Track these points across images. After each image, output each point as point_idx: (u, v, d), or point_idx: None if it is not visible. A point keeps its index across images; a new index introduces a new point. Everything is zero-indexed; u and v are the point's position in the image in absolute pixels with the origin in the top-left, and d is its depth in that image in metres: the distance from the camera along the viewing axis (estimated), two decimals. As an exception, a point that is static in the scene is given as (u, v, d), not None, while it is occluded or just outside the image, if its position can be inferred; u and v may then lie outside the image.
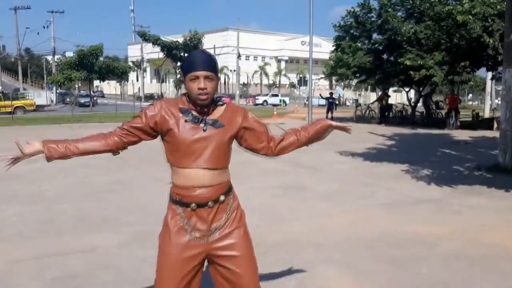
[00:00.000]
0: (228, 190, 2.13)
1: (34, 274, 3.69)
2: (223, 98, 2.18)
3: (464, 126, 19.30)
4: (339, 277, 3.64)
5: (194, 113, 2.03)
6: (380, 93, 26.93)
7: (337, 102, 34.77)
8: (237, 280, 2.06)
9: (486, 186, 7.09)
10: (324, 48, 48.39)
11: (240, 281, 2.05)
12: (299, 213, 5.61)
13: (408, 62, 17.05)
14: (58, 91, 43.97)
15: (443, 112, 24.00)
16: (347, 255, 4.11)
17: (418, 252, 4.20)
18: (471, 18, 14.71)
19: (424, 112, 21.72)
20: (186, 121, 2.01)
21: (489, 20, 15.05)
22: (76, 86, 50.93)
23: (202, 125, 2.02)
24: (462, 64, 17.10)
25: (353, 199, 6.36)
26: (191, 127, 2.01)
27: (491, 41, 15.24)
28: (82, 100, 36.73)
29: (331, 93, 26.05)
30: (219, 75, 2.09)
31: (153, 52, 48.82)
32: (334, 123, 2.32)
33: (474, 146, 12.49)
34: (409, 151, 11.63)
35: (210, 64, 2.00)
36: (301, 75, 60.29)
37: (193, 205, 2.03)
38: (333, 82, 50.40)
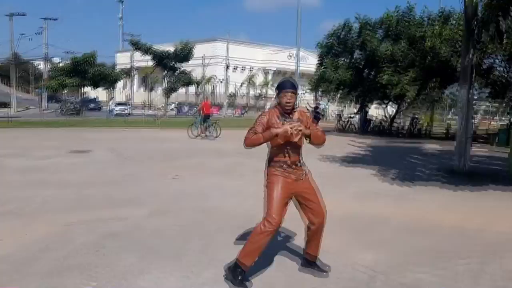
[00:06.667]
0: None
1: (86, 232, 4.91)
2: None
3: (437, 138, 21.02)
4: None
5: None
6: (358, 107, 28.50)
7: (322, 114, 36.44)
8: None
9: (439, 184, 8.51)
10: (311, 61, 49.90)
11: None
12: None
13: (385, 78, 18.63)
14: (62, 98, 44.77)
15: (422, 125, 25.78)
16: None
17: (373, 224, 5.56)
18: (439, 42, 16.37)
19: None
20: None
21: (457, 46, 16.70)
22: (63, 92, 51.50)
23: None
24: (434, 80, 18.74)
25: (330, 192, 7.69)
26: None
27: (459, 63, 16.87)
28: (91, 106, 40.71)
29: (316, 106, 27.62)
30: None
31: (142, 60, 49.92)
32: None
33: (440, 153, 14.02)
34: (381, 158, 13.07)
35: (294, 85, 3.53)
36: (287, 87, 61.85)
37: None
38: (318, 96, 52.06)
